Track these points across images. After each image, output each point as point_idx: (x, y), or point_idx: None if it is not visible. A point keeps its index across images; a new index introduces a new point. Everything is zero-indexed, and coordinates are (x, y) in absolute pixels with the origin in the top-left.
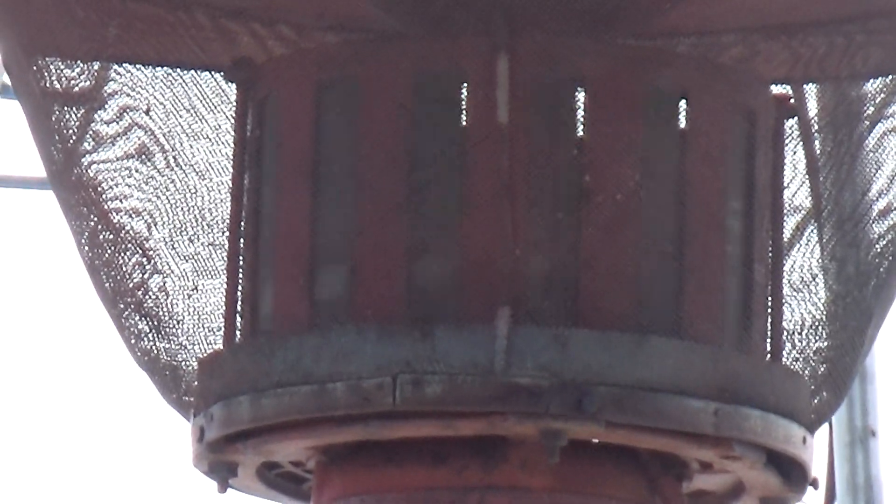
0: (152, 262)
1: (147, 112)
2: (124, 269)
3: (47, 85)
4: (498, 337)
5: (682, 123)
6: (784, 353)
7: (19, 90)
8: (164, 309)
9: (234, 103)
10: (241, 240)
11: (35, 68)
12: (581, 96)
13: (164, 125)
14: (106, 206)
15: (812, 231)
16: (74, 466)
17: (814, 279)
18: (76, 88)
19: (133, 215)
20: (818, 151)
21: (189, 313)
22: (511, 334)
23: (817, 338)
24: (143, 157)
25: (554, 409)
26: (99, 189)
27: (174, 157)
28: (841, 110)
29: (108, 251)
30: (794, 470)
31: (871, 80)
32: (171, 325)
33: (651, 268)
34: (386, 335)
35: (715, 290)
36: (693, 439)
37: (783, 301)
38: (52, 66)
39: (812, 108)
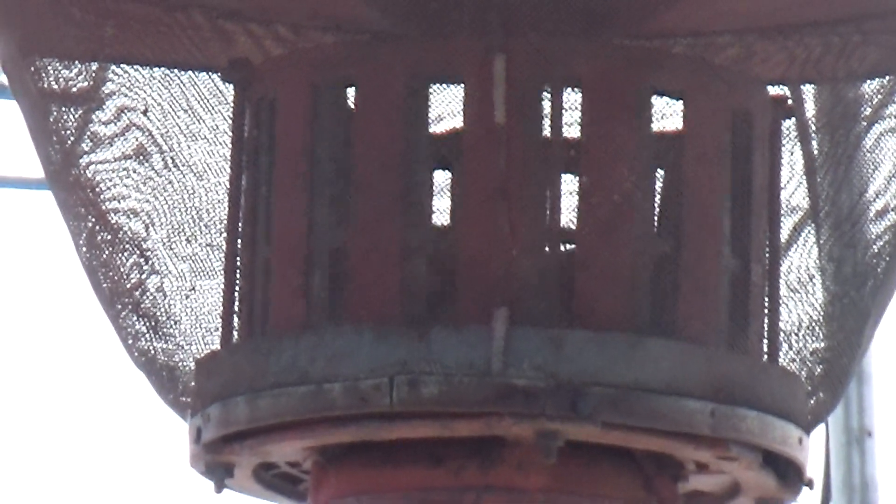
0: (150, 262)
1: (145, 112)
2: (122, 269)
3: (45, 85)
4: (494, 338)
5: (679, 124)
6: (781, 353)
7: (17, 90)
8: (162, 309)
9: (232, 104)
10: (239, 240)
11: (32, 69)
12: (577, 97)
13: (161, 126)
14: (104, 207)
15: (809, 232)
16: (74, 466)
17: (811, 280)
18: (74, 89)
19: (131, 216)
20: (815, 152)
21: (186, 313)
22: (507, 335)
23: (814, 338)
24: (141, 157)
25: (550, 410)
26: (97, 189)
27: (172, 158)
28: (838, 111)
29: (106, 251)
30: (791, 470)
31: (868, 81)
32: (168, 326)
33: (647, 269)
34: (382, 336)
35: (711, 291)
36: (689, 440)
37: (780, 302)
38: (49, 67)
39: (809, 108)
